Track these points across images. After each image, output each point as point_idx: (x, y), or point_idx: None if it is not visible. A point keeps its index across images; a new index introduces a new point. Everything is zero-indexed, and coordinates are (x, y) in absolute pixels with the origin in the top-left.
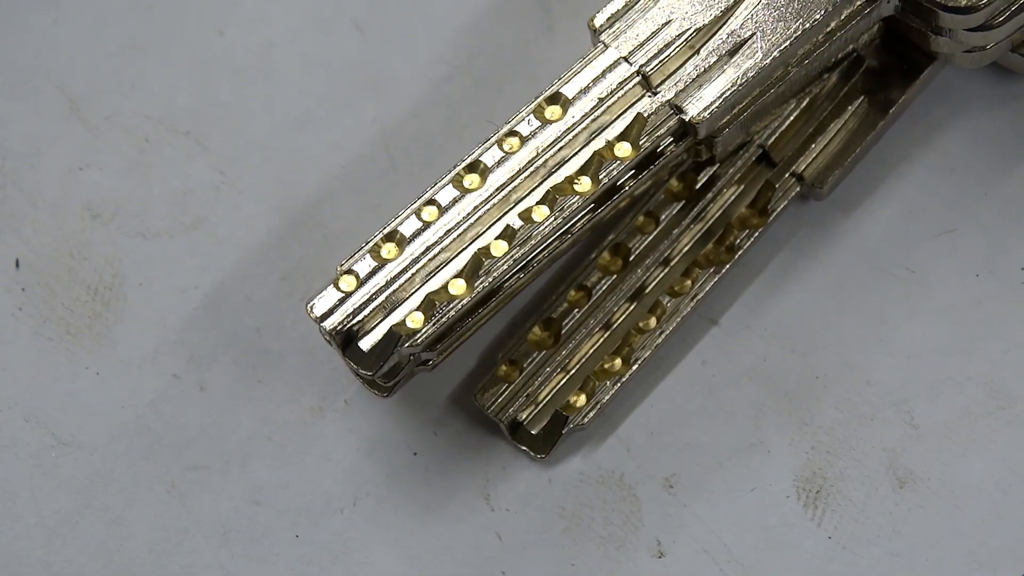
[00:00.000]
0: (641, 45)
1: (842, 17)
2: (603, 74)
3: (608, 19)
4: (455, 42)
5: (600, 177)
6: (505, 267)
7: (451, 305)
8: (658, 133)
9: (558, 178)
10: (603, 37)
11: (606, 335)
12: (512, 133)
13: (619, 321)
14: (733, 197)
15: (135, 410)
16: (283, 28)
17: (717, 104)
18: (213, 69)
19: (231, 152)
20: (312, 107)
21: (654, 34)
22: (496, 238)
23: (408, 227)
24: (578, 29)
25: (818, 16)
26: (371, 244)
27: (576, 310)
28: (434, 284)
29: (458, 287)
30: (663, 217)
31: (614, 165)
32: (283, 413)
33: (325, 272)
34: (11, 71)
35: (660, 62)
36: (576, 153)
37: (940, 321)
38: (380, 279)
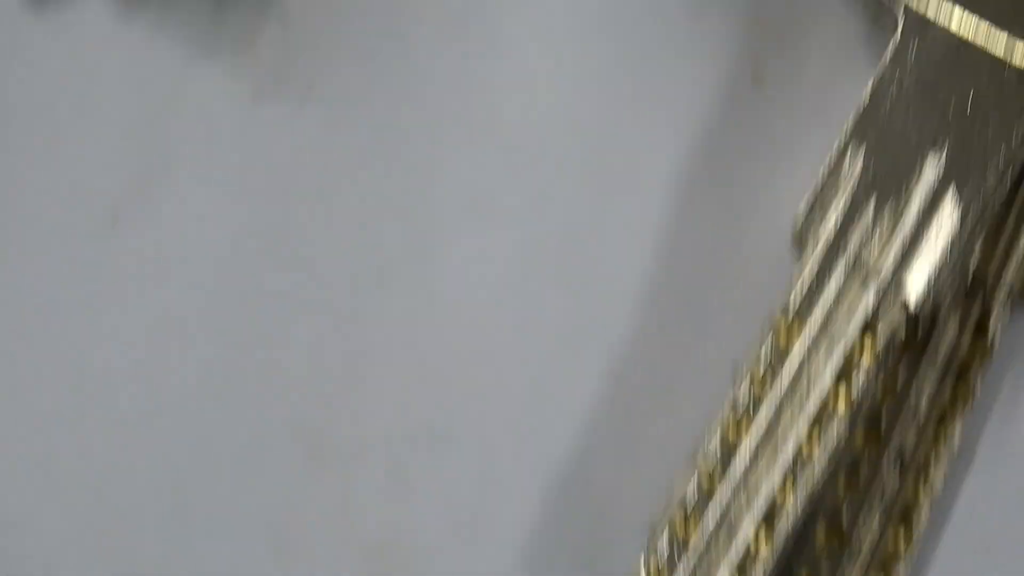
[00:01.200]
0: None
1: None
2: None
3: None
4: None
5: (852, 394)
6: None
7: (758, 561)
8: (889, 329)
9: (812, 407)
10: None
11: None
12: (754, 378)
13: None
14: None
15: None
16: None
17: (934, 281)
18: None
19: None
20: None
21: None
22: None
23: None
24: None
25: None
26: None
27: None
28: (737, 550)
29: (762, 544)
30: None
31: (860, 374)
32: None
33: None
34: None
35: (868, 250)
36: (821, 375)
37: None
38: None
